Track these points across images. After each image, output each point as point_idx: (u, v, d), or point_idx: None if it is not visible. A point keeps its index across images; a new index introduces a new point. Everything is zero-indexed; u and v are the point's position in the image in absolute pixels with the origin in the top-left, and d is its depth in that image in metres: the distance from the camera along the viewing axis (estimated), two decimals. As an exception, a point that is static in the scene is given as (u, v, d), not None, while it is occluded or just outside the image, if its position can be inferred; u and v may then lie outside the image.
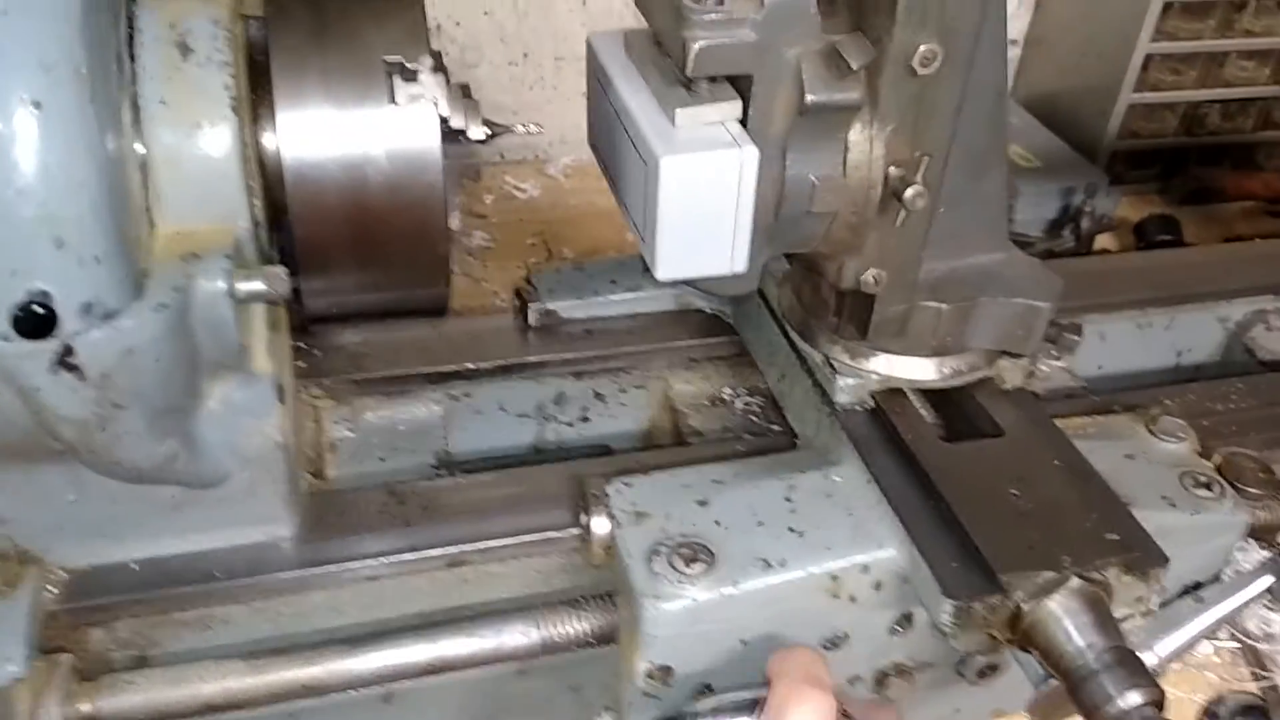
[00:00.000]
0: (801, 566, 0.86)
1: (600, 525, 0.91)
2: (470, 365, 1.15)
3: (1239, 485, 1.01)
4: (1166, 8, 2.03)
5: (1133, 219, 2.13)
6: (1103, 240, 2.10)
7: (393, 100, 0.75)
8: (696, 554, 0.86)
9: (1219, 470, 1.02)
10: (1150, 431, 1.03)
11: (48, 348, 0.65)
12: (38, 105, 0.61)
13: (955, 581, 0.82)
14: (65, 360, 0.66)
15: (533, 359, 1.18)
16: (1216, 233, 2.17)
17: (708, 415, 1.19)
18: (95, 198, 0.64)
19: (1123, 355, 1.34)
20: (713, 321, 1.24)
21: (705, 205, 0.82)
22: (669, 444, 1.20)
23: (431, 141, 0.75)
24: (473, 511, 0.99)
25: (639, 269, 1.25)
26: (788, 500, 0.92)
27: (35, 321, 0.63)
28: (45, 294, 0.63)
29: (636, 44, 0.90)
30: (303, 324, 1.07)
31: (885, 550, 0.87)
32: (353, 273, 0.80)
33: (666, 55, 0.87)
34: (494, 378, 1.17)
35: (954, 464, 0.91)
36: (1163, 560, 0.85)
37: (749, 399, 1.20)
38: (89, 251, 0.64)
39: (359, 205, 0.76)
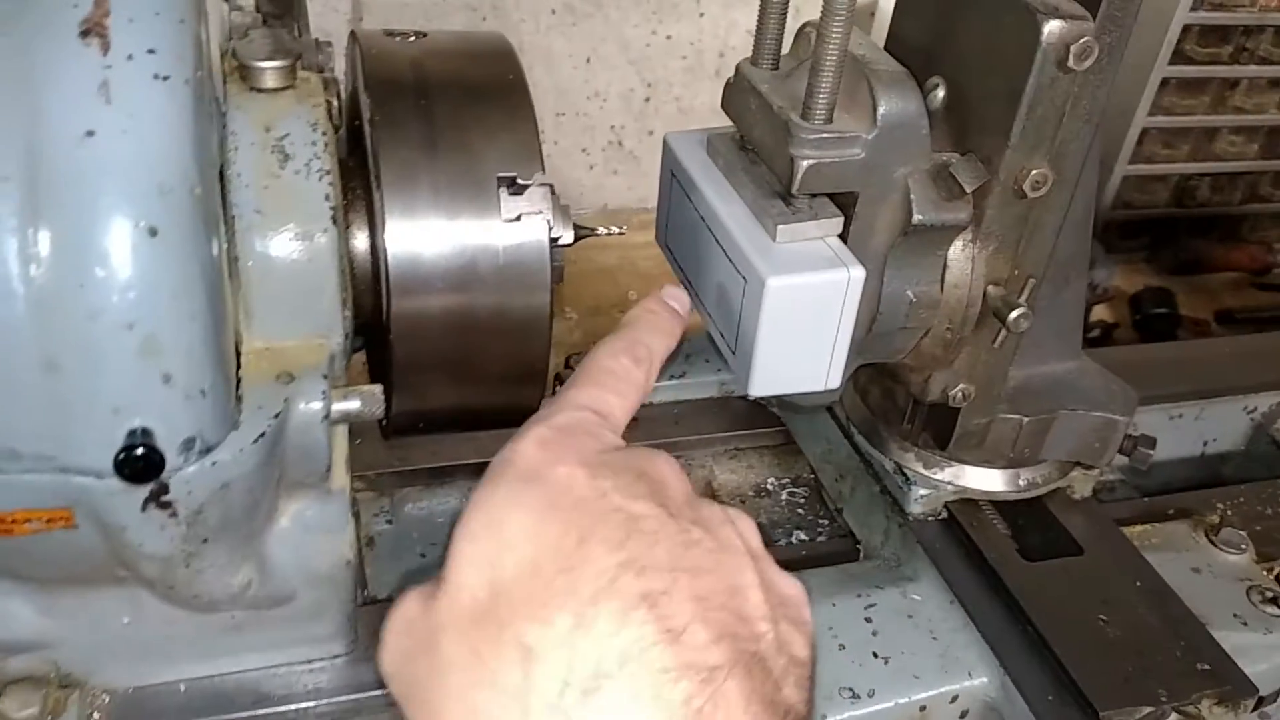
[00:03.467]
0: (890, 698, 0.83)
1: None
2: (514, 455, 1.10)
3: (1299, 599, 1.00)
4: (1164, 83, 2.06)
5: (1126, 290, 2.16)
6: (1099, 311, 2.11)
7: (502, 215, 0.70)
8: (780, 680, 0.82)
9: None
10: (1211, 541, 1.02)
11: (143, 488, 0.60)
12: (153, 232, 0.56)
13: (1054, 718, 0.80)
14: (159, 499, 0.61)
15: (575, 447, 1.14)
16: (1205, 303, 2.21)
17: (752, 506, 1.16)
18: (206, 329, 0.58)
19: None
20: (756, 410, 1.21)
21: (807, 325, 0.78)
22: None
23: (541, 261, 0.71)
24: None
25: (682, 356, 1.21)
26: (868, 621, 0.89)
27: (139, 465, 0.57)
28: (148, 432, 0.58)
29: (721, 148, 0.87)
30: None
31: (975, 680, 0.85)
32: (448, 391, 0.75)
33: (756, 163, 0.84)
34: (536, 466, 1.12)
35: (1038, 585, 0.89)
36: (1252, 691, 0.84)
37: (793, 489, 1.17)
38: (196, 386, 0.59)
39: (463, 324, 0.71)
